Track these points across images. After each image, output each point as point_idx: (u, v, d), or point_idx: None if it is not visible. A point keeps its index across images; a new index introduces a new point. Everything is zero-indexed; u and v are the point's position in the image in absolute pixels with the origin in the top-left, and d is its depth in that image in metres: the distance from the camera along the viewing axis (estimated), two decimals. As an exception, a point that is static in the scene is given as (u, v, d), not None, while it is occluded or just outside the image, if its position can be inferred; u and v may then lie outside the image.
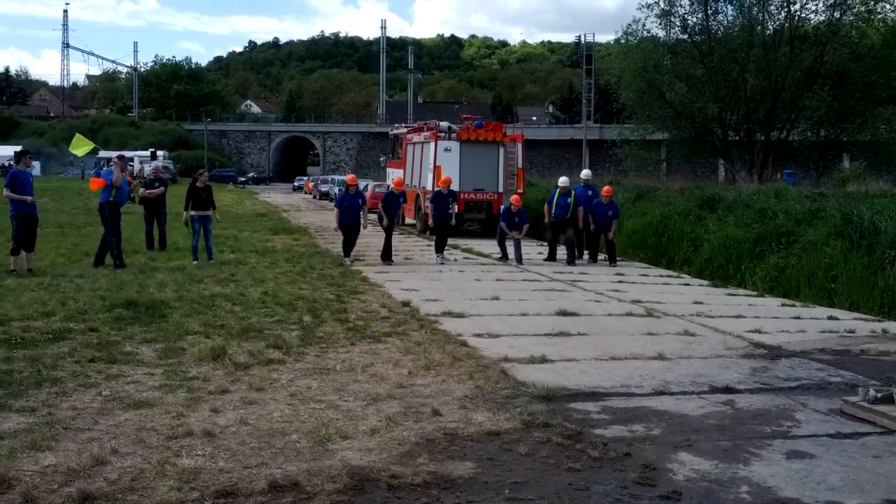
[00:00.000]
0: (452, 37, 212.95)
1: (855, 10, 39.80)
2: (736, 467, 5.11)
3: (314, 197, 56.03)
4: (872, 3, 39.62)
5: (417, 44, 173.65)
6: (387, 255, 16.41)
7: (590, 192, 17.82)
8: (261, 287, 12.05)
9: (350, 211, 16.23)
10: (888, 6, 39.97)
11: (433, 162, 23.56)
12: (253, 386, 6.71)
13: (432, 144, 23.81)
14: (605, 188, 17.69)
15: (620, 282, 14.16)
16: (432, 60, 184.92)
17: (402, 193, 18.94)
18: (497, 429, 5.71)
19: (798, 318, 10.83)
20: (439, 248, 17.10)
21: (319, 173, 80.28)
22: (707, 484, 4.82)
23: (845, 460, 5.31)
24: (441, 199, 17.75)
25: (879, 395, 6.27)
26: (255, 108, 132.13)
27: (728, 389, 6.97)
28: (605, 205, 17.10)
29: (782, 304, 12.16)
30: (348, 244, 16.27)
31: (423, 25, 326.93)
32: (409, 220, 26.73)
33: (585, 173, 19.30)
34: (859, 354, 8.51)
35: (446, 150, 23.56)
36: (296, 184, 73.28)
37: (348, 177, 18.00)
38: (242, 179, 78.66)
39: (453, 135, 24.03)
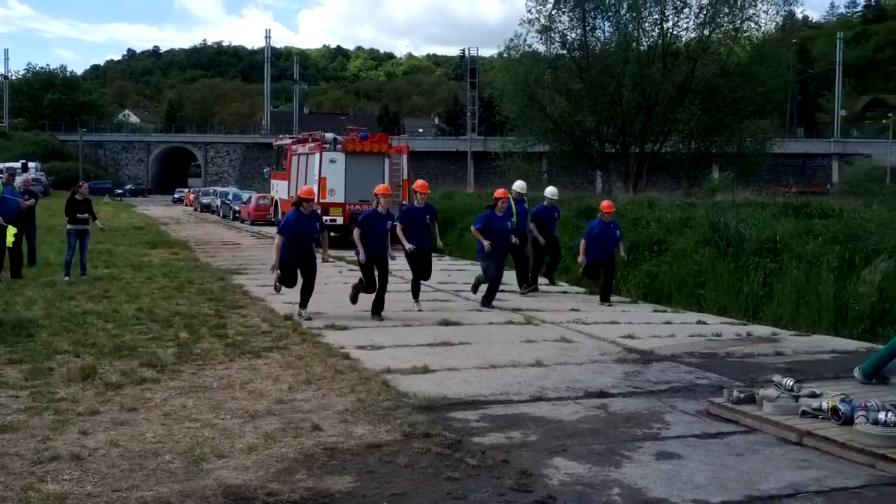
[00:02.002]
0: (339, 48, 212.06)
1: (723, 28, 41.87)
2: (608, 470, 5.27)
3: (195, 209, 54.68)
4: (739, 21, 41.80)
5: (303, 54, 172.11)
6: (378, 308, 11.21)
7: (556, 215, 15.26)
8: (136, 303, 11.67)
9: (305, 238, 11.07)
10: (753, 24, 42.22)
11: (318, 173, 23.39)
12: (125, 406, 6.49)
13: (317, 156, 23.64)
14: (606, 203, 13.92)
15: (502, 290, 14.36)
16: (318, 71, 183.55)
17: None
18: (377, 441, 5.71)
19: (669, 323, 11.29)
20: (416, 293, 12.16)
21: (201, 185, 78.34)
22: (581, 487, 4.95)
23: (711, 459, 5.55)
24: (415, 217, 12.15)
25: (742, 395, 6.59)
26: (134, 118, 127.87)
27: (602, 394, 7.19)
28: (608, 225, 13.34)
29: (654, 310, 12.63)
30: (307, 289, 11.05)
31: (309, 36, 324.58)
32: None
33: (550, 191, 15.39)
34: (725, 357, 8.92)
35: (331, 161, 23.44)
36: (176, 196, 71.38)
37: (303, 189, 12.61)
38: (119, 192, 76.00)
39: (339, 146, 23.93)
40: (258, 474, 5.04)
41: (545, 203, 15.00)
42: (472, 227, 13.05)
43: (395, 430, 5.91)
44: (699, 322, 11.34)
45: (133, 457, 5.31)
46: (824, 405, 6.10)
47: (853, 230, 12.70)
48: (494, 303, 12.53)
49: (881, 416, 5.65)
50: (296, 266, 11.06)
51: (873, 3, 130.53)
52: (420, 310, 11.72)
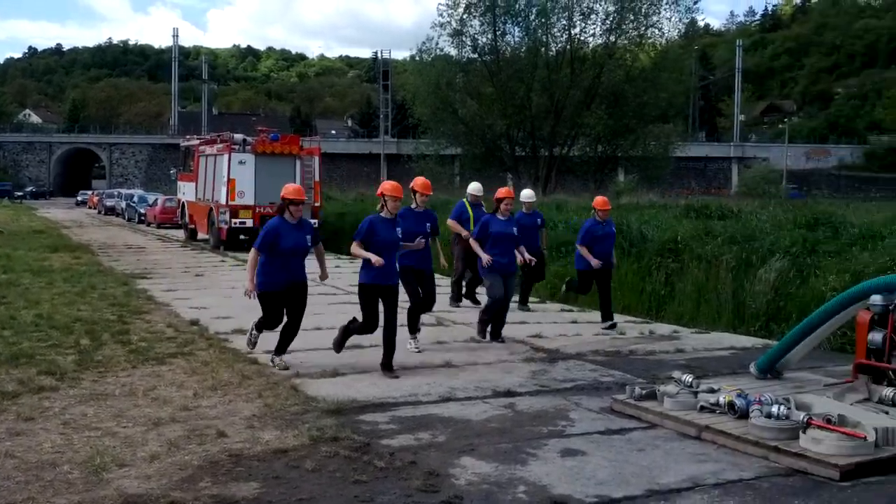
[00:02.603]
0: (249, 48, 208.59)
1: (628, 35, 43.02)
2: (514, 468, 5.35)
3: (99, 212, 52.99)
4: (643, 28, 43.02)
5: (212, 54, 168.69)
6: (388, 359, 8.17)
7: (539, 222, 12.56)
8: (35, 309, 11.24)
9: (292, 255, 8.11)
10: (657, 31, 43.50)
11: (227, 175, 22.97)
12: (21, 416, 6.26)
13: (226, 157, 23.21)
14: (600, 199, 11.42)
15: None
16: (228, 71, 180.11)
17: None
18: (284, 446, 5.66)
19: (575, 322, 11.54)
20: (413, 328, 9.41)
21: (106, 187, 75.91)
22: (487, 486, 5.02)
23: (613, 455, 5.70)
24: (412, 224, 8.98)
25: (644, 392, 6.79)
26: (35, 118, 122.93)
27: (509, 393, 7.30)
28: (603, 225, 11.11)
29: (562, 310, 12.87)
30: (290, 330, 8.29)
31: (219, 35, 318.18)
32: (201, 235, 25.88)
33: (526, 194, 12.60)
34: (629, 355, 9.17)
35: (241, 162, 23.05)
36: (79, 198, 68.92)
37: (289, 188, 8.39)
38: (19, 194, 72.97)
39: (248, 147, 23.55)
40: (161, 483, 4.94)
41: (523, 209, 12.14)
42: (470, 238, 10.52)
43: (302, 435, 5.88)
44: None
45: (30, 468, 5.13)
46: (721, 400, 6.33)
47: (750, 231, 13.23)
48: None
49: (774, 409, 5.90)
50: (281, 298, 7.99)
51: (770, 13, 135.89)
52: (418, 349, 9.07)
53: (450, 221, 12.52)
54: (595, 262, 10.75)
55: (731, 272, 11.48)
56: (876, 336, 6.58)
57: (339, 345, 8.45)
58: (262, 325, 8.38)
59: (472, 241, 10.26)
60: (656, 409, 6.55)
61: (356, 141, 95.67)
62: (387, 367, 8.03)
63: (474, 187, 12.85)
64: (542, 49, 43.51)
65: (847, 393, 6.47)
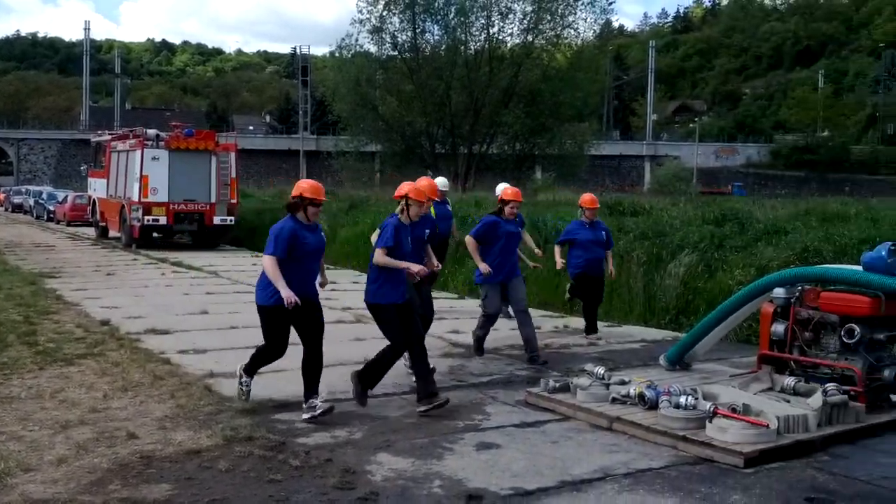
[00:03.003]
0: (164, 42, 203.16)
1: (545, 35, 43.58)
2: (430, 463, 5.39)
3: (6, 209, 51.03)
4: (560, 28, 43.66)
5: (125, 47, 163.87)
6: (426, 389, 6.72)
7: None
8: (-67, 311, 10.78)
9: (307, 262, 6.52)
10: (573, 32, 44.20)
11: (139, 171, 22.40)
12: (-83, 422, 6.01)
13: (138, 153, 22.63)
14: (587, 197, 10.32)
15: (333, 290, 14.30)
16: (142, 65, 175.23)
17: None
18: (197, 447, 5.57)
19: (495, 317, 11.63)
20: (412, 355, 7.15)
21: (13, 184, 73.01)
22: (403, 482, 5.04)
23: (528, 447, 5.79)
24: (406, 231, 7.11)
25: (557, 384, 6.91)
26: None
27: (428, 389, 7.32)
28: (591, 226, 10.08)
29: (479, 306, 12.94)
30: (313, 363, 6.54)
31: (132, 29, 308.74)
32: (113, 233, 25.18)
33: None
34: (544, 348, 9.29)
35: (154, 158, 22.50)
36: (-16, 196, 66.16)
37: (306, 184, 6.69)
38: (-83, 192, 69.63)
39: (161, 143, 23.02)
40: (68, 487, 4.81)
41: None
42: (467, 239, 9.00)
43: (216, 435, 5.79)
44: (521, 316, 11.75)
45: (-74, 476, 4.93)
46: (632, 391, 6.50)
47: (661, 227, 13.58)
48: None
49: (682, 400, 6.08)
50: (292, 316, 6.32)
51: (681, 15, 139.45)
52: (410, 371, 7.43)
53: None
54: (558, 263, 10.03)
55: (642, 267, 11.77)
56: (778, 328, 6.85)
57: (370, 383, 6.80)
58: (263, 358, 6.67)
59: (470, 245, 8.77)
60: (569, 401, 6.68)
61: (275, 137, 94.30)
62: (432, 394, 6.62)
63: (441, 182, 11.86)
64: (462, 47, 43.74)
65: (751, 383, 6.71)
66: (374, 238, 7.16)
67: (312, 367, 6.47)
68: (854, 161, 74.35)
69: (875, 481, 5.19)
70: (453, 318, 11.48)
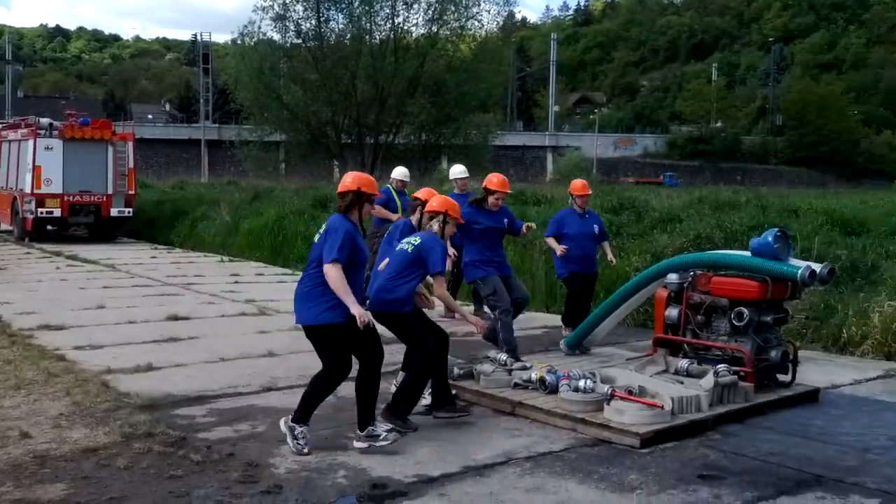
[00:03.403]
0: (58, 27, 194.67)
1: (450, 25, 43.65)
2: (335, 454, 5.39)
3: None
4: (464, 19, 43.79)
5: (18, 33, 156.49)
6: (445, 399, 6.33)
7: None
8: None
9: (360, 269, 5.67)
10: (477, 23, 44.44)
11: (32, 162, 21.48)
12: None
13: (31, 142, 21.68)
14: (577, 183, 9.30)
15: (236, 282, 14.12)
16: (35, 52, 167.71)
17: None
18: (94, 445, 5.43)
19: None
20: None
21: None
22: (307, 474, 5.03)
23: (432, 434, 5.85)
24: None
25: (462, 371, 7.00)
26: None
27: (332, 380, 7.30)
28: (582, 217, 9.08)
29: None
30: (369, 384, 5.73)
31: (24, 13, 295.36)
32: (4, 227, 24.11)
33: (457, 170, 11.14)
34: (449, 336, 9.36)
35: (47, 148, 21.60)
36: None
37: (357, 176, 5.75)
38: None
39: (55, 132, 22.12)
40: (-46, 491, 4.62)
41: (455, 190, 10.39)
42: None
43: (114, 433, 5.65)
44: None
45: None
46: (533, 376, 6.63)
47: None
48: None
49: (581, 383, 6.25)
50: (351, 332, 5.48)
51: (582, 8, 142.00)
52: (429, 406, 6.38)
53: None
54: (559, 250, 8.76)
55: (543, 255, 12.01)
56: (672, 312, 7.09)
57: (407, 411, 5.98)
58: (325, 390, 5.64)
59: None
60: (473, 387, 6.78)
61: (175, 126, 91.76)
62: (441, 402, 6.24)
63: (401, 172, 11.28)
64: (367, 37, 43.44)
65: (647, 366, 6.95)
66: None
67: (371, 390, 5.63)
68: (745, 151, 77.30)
69: (762, 457, 5.46)
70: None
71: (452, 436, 5.84)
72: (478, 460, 5.31)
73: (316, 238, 5.60)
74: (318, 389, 5.59)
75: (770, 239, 6.61)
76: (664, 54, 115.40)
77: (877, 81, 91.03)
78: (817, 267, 6.52)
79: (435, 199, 6.52)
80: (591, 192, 9.24)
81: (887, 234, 12.04)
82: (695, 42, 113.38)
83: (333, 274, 5.30)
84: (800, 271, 6.43)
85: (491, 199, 8.17)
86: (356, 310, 5.29)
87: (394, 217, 10.43)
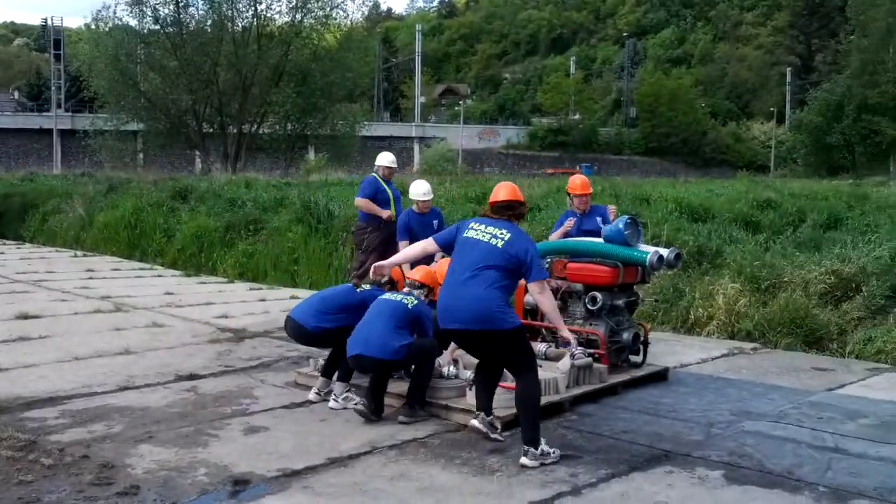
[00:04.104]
0: None
1: (314, 14, 43.17)
2: (196, 451, 5.28)
3: None
4: (329, 8, 43.40)
5: None
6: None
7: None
8: None
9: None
10: (342, 13, 44.15)
11: None
12: None
13: None
14: (577, 181, 8.11)
15: (91, 278, 13.56)
16: None
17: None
18: (-68, 453, 5.11)
19: (263, 300, 11.56)
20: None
21: None
22: (166, 473, 4.90)
23: (297, 428, 5.82)
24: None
25: (324, 362, 6.96)
26: None
27: (192, 376, 7.15)
28: (582, 218, 7.91)
29: (250, 289, 12.81)
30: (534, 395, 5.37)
31: None
32: None
33: (419, 190, 8.98)
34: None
35: None
36: None
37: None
38: None
39: None
40: None
41: (413, 207, 8.91)
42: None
43: (-45, 439, 5.33)
44: (292, 297, 11.67)
45: None
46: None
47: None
48: None
49: (445, 370, 6.36)
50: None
51: (446, 1, 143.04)
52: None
53: (359, 200, 9.70)
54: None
55: (409, 243, 12.12)
56: (530, 298, 7.29)
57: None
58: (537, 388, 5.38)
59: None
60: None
61: (24, 115, 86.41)
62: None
63: (387, 158, 9.96)
64: (229, 24, 42.46)
65: (508, 351, 7.11)
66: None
67: (535, 397, 5.30)
68: (602, 142, 79.91)
69: (616, 435, 5.72)
70: (222, 302, 11.22)
71: (318, 427, 5.83)
72: (343, 451, 5.32)
73: (485, 238, 5.26)
74: (534, 398, 5.29)
75: (621, 226, 6.90)
76: (525, 47, 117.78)
77: (722, 76, 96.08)
78: (665, 252, 6.86)
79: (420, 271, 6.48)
80: (590, 192, 8.02)
81: (731, 221, 12.77)
82: (554, 36, 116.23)
83: (545, 292, 5.39)
84: (648, 256, 6.76)
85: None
86: (566, 333, 5.70)
87: (384, 214, 9.47)
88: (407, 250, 6.28)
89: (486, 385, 5.58)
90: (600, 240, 7.09)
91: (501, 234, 5.24)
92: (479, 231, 5.32)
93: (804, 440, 5.61)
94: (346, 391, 6.25)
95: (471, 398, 6.02)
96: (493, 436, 5.50)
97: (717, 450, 5.42)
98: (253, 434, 5.65)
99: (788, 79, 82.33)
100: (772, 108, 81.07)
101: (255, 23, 42.30)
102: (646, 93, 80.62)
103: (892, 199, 18.44)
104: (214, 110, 42.12)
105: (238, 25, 42.89)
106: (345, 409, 6.16)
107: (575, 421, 6.03)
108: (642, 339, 7.22)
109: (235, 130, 42.55)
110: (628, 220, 6.97)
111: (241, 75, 40.74)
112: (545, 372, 6.39)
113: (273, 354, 8.08)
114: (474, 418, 5.56)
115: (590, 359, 6.66)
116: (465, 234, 5.37)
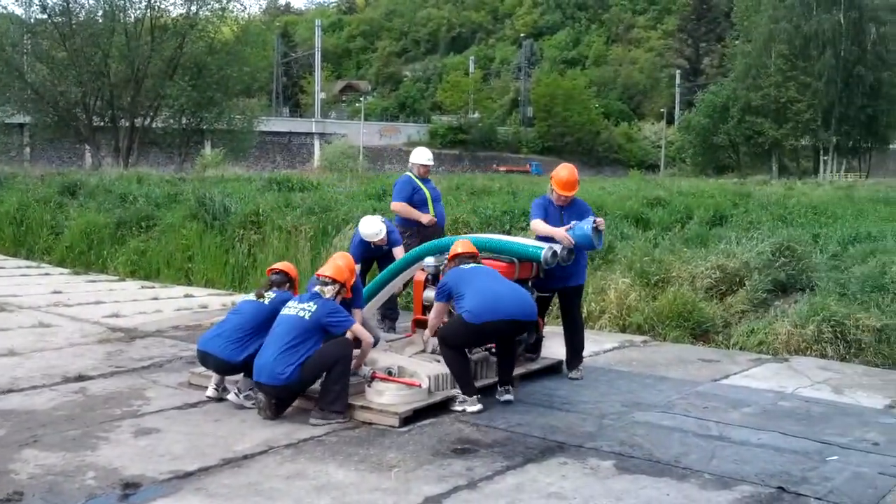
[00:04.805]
0: None
1: (210, 6, 42.29)
2: (83, 455, 5.11)
3: None
4: (226, 1, 42.56)
5: None
6: None
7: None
8: None
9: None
10: (239, 6, 43.41)
11: None
12: None
13: None
14: (561, 175, 7.28)
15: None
16: None
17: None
18: None
19: (156, 298, 11.26)
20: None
21: None
22: (52, 477, 4.73)
23: (189, 429, 5.69)
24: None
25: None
26: None
27: (81, 377, 6.91)
28: (562, 211, 7.25)
29: (142, 287, 12.45)
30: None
31: None
32: None
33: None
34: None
35: None
36: None
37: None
38: None
39: None
40: None
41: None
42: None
43: None
44: (187, 295, 11.47)
45: None
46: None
47: (327, 202, 13.95)
48: None
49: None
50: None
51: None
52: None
53: (396, 205, 8.94)
54: (560, 235, 6.96)
55: (309, 241, 12.04)
56: (429, 294, 7.32)
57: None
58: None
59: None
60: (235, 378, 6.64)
61: None
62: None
63: (425, 155, 9.10)
64: (121, 14, 41.23)
65: (406, 346, 7.15)
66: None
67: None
68: (501, 140, 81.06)
69: (512, 428, 5.82)
70: (112, 301, 10.87)
71: (212, 428, 5.72)
72: (237, 451, 5.25)
73: None
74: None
75: (588, 230, 6.92)
76: (425, 46, 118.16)
77: (615, 77, 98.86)
78: (558, 248, 7.01)
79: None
80: (575, 191, 7.30)
81: (622, 218, 13.12)
82: (453, 35, 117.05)
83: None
84: (542, 252, 6.90)
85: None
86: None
87: (424, 219, 8.81)
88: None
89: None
90: (500, 236, 7.18)
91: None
92: None
93: (691, 429, 5.84)
94: (250, 389, 6.16)
95: (369, 394, 6.03)
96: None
97: (608, 440, 5.58)
98: (144, 436, 5.51)
99: (677, 81, 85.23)
100: (662, 109, 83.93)
101: (148, 14, 41.11)
102: (542, 93, 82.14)
103: (774, 197, 19.33)
104: (105, 103, 40.77)
105: (130, 16, 41.66)
106: (243, 407, 6.07)
107: (472, 415, 6.10)
108: (538, 333, 7.35)
109: (127, 124, 41.30)
110: (593, 225, 7.01)
111: (134, 67, 39.59)
112: (443, 367, 6.44)
113: (166, 354, 7.88)
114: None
115: (486, 353, 6.75)
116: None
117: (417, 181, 9.00)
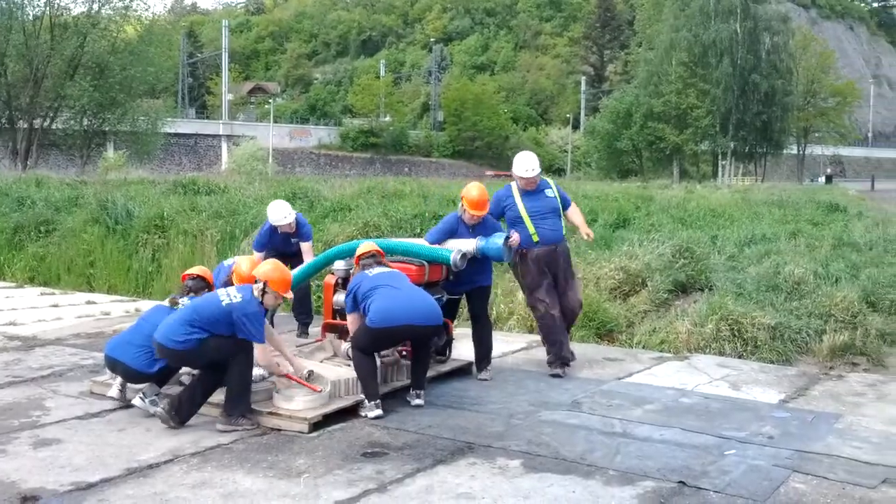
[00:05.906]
0: None
1: (113, 5, 41.19)
2: (-23, 468, 4.93)
3: None
4: (129, 0, 41.47)
5: None
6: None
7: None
8: None
9: None
10: (143, 4, 42.36)
11: None
12: None
13: None
14: (474, 192, 7.32)
15: None
16: None
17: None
18: None
19: (56, 305, 10.89)
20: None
21: None
22: (-57, 493, 4.55)
23: (92, 439, 5.54)
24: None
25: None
26: None
27: (-26, 389, 6.65)
28: (471, 230, 7.33)
29: (41, 294, 12.03)
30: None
31: None
32: None
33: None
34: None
35: None
36: None
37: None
38: None
39: None
40: None
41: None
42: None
43: None
44: (88, 302, 11.14)
45: None
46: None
47: (234, 205, 13.74)
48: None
49: (255, 372, 6.23)
50: None
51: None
52: None
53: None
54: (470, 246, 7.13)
55: (215, 245, 11.84)
56: (339, 297, 7.30)
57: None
58: None
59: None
60: (137, 386, 6.48)
61: None
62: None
63: (532, 161, 7.77)
64: (18, 12, 39.72)
65: (316, 351, 7.12)
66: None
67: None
68: (412, 144, 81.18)
69: (422, 430, 5.86)
70: (10, 308, 10.47)
71: (115, 437, 5.58)
72: (142, 461, 5.14)
73: None
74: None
75: (500, 242, 7.07)
76: (336, 48, 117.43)
77: (523, 83, 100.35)
78: (468, 250, 7.09)
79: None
80: (484, 212, 7.26)
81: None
82: (364, 38, 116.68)
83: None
84: (451, 255, 6.97)
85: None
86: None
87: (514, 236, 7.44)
88: None
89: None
90: (413, 240, 7.22)
91: None
92: None
93: (596, 427, 5.99)
94: (156, 394, 6.02)
95: (278, 400, 5.99)
96: None
97: (516, 440, 5.68)
98: (44, 447, 5.34)
99: (583, 87, 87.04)
100: (568, 115, 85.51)
101: (47, 11, 39.72)
102: (452, 97, 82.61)
103: (675, 200, 19.93)
104: (2, 103, 39.22)
105: (29, 14, 40.19)
106: (148, 414, 5.94)
107: (381, 418, 6.12)
108: (448, 335, 7.41)
109: (26, 125, 39.82)
110: (507, 240, 7.13)
111: (32, 67, 38.23)
112: (353, 371, 6.44)
113: (66, 363, 7.64)
114: None
115: (396, 355, 6.78)
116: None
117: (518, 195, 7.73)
